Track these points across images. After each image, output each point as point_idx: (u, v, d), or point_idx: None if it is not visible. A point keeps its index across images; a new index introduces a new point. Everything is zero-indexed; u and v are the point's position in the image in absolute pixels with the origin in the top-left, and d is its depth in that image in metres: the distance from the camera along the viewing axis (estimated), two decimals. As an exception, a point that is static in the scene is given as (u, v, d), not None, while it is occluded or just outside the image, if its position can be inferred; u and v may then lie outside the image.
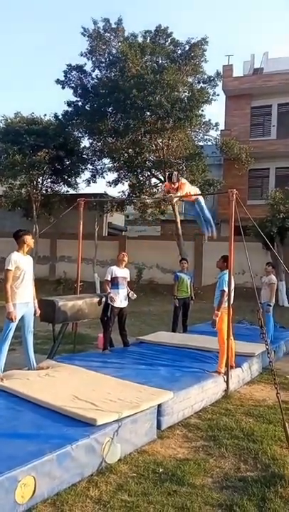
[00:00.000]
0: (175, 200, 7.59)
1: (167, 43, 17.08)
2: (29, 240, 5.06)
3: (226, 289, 5.52)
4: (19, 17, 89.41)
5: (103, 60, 17.60)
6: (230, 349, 5.49)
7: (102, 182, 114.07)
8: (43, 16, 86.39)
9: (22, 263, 4.93)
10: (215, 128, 17.98)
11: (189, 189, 7.04)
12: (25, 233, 5.08)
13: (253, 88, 21.48)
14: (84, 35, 17.26)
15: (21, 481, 2.75)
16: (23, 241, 5.01)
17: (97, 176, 18.82)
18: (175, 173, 6.87)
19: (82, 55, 17.47)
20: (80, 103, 17.89)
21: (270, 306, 7.95)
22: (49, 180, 19.05)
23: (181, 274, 8.71)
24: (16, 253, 4.96)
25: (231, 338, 5.59)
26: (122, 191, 19.16)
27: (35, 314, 5.18)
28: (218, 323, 5.56)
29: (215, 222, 7.81)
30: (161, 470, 3.38)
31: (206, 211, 7.23)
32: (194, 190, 7.53)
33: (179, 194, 6.79)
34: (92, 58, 17.52)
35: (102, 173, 18.89)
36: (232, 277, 5.72)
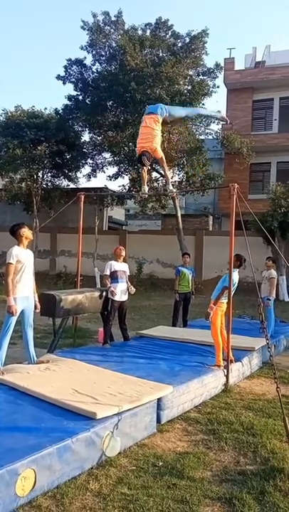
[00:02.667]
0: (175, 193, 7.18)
1: (168, 36, 16.91)
2: (26, 232, 5.02)
3: (230, 287, 5.53)
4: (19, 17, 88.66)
5: (103, 53, 17.43)
6: (225, 342, 5.52)
7: (103, 176, 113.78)
8: (43, 16, 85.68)
9: (23, 257, 4.92)
10: (216, 122, 17.88)
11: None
12: (20, 226, 5.03)
13: (254, 81, 21.34)
14: (84, 29, 17.08)
15: (22, 474, 2.77)
16: (20, 234, 4.98)
17: (98, 170, 18.76)
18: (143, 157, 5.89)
19: (82, 49, 17.34)
20: (80, 97, 17.76)
21: (271, 300, 7.96)
22: (49, 174, 18.98)
23: (183, 268, 8.71)
24: (16, 247, 4.95)
25: (224, 331, 5.62)
26: (123, 185, 19.08)
27: (35, 309, 5.18)
28: (213, 317, 5.60)
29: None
30: (160, 463, 3.39)
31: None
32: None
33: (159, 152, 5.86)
34: (92, 52, 17.37)
35: (102, 167, 18.83)
36: (237, 274, 5.72)
